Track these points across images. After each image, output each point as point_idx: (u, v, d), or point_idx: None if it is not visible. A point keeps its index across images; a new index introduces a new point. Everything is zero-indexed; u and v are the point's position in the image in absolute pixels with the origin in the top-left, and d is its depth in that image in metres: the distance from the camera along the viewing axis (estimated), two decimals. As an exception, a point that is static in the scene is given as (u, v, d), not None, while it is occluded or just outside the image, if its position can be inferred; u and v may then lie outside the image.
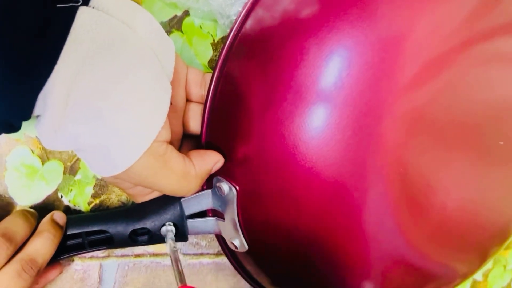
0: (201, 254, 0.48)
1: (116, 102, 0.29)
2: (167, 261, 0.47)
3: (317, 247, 0.34)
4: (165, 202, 0.38)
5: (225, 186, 0.35)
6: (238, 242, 0.38)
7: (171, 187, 0.33)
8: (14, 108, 0.27)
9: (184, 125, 0.37)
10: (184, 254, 0.47)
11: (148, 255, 0.46)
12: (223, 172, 0.35)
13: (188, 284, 0.34)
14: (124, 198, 0.43)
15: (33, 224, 0.37)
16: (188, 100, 0.37)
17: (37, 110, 0.28)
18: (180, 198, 0.38)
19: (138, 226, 0.38)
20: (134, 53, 0.29)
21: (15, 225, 0.36)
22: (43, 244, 0.36)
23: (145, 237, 0.39)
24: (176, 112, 0.36)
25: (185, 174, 0.33)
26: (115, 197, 0.43)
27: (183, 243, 0.46)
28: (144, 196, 0.37)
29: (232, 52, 0.33)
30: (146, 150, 0.30)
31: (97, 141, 0.29)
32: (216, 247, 0.48)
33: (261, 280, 0.42)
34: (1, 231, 0.35)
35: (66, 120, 0.28)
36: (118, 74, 0.29)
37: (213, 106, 0.35)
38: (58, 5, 0.27)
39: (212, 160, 0.35)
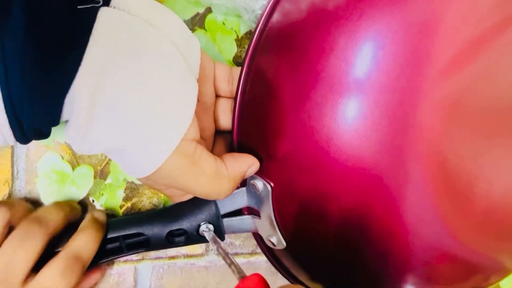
0: (235, 254, 0.47)
1: (141, 103, 0.28)
2: (201, 262, 0.46)
3: (357, 241, 0.34)
4: (200, 202, 0.38)
5: (259, 184, 0.35)
6: (276, 239, 0.37)
7: (202, 188, 0.32)
8: (42, 114, 0.27)
9: (215, 120, 0.37)
10: (218, 255, 0.47)
11: (182, 257, 0.45)
12: (258, 170, 0.35)
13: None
14: (155, 200, 0.43)
15: (67, 213, 0.37)
16: (217, 96, 0.36)
17: (65, 115, 0.28)
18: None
19: (175, 227, 0.38)
20: (158, 52, 0.29)
21: (48, 212, 0.36)
22: (86, 240, 0.36)
23: (182, 238, 0.38)
24: (206, 109, 0.35)
25: (217, 175, 0.32)
26: (146, 199, 0.42)
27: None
28: (181, 196, 0.37)
29: (260, 47, 0.32)
30: (174, 150, 0.30)
31: (125, 143, 0.29)
32: (250, 247, 0.47)
33: (301, 276, 0.41)
34: (33, 217, 0.35)
35: (93, 123, 0.28)
36: (142, 74, 0.28)
37: (242, 104, 0.34)
38: (78, 7, 0.26)
39: (247, 163, 0.34)
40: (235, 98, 0.34)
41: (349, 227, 0.33)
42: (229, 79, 0.36)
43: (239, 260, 0.47)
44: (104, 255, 0.39)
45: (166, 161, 0.30)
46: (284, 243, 0.37)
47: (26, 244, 0.34)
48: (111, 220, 0.39)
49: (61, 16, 0.26)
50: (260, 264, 0.48)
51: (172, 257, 0.45)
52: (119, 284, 0.44)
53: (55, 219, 0.36)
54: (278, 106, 0.32)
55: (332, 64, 0.29)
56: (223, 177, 0.33)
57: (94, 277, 0.40)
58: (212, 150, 0.37)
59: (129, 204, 0.42)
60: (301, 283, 0.42)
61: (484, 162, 0.32)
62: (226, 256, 0.35)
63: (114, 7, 0.28)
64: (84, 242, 0.36)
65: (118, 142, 0.29)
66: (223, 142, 0.38)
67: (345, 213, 0.32)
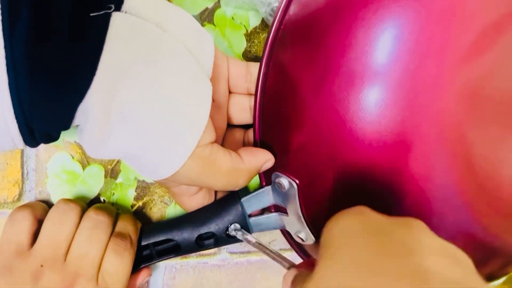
0: (248, 252, 0.47)
1: (155, 110, 0.28)
2: (213, 261, 0.46)
3: None
4: (226, 203, 0.38)
5: (284, 181, 0.35)
6: (304, 235, 0.37)
7: (220, 184, 0.33)
8: (54, 121, 0.27)
9: (229, 118, 0.36)
10: (231, 253, 0.46)
11: (195, 256, 0.45)
12: (282, 167, 0.35)
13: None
14: (166, 198, 0.42)
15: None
16: (231, 92, 0.36)
17: (76, 121, 0.27)
18: (240, 198, 0.38)
19: (203, 230, 0.38)
20: (170, 58, 0.29)
21: (100, 211, 0.37)
22: (126, 222, 0.37)
23: (211, 241, 0.38)
24: (219, 107, 0.35)
25: (233, 170, 0.33)
26: (157, 198, 0.42)
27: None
28: (189, 196, 0.36)
29: (277, 42, 0.32)
30: (190, 155, 0.30)
31: (141, 150, 0.29)
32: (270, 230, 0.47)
33: None
34: (93, 211, 0.36)
35: (108, 132, 0.28)
36: (155, 82, 0.28)
37: (263, 102, 0.34)
38: (91, 14, 0.26)
39: (263, 158, 0.34)
40: (255, 95, 0.34)
41: None
42: (246, 76, 0.35)
43: (252, 258, 0.47)
44: (138, 263, 0.38)
45: (182, 166, 0.30)
46: (314, 238, 0.37)
47: (97, 235, 0.35)
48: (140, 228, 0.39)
49: (73, 22, 0.25)
50: (273, 262, 0.47)
51: (185, 257, 0.44)
52: (131, 285, 0.44)
53: (108, 215, 0.37)
54: (299, 102, 0.32)
55: (351, 57, 0.29)
56: (240, 171, 0.33)
57: (143, 274, 0.40)
58: (223, 145, 0.37)
59: (140, 203, 0.41)
60: None
61: (508, 148, 0.32)
62: (267, 250, 0.36)
63: (125, 12, 0.27)
64: (125, 223, 0.37)
65: (134, 149, 0.29)
66: (235, 136, 0.38)
67: (370, 204, 0.32)
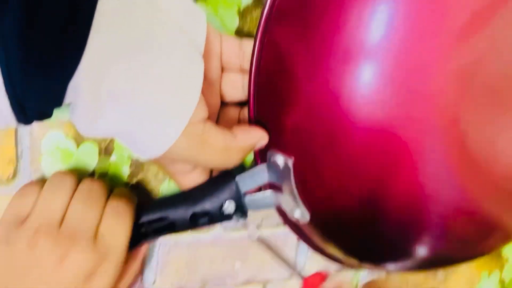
0: (241, 228, 0.47)
1: (146, 89, 0.28)
2: (208, 236, 0.46)
3: (380, 207, 0.34)
4: (221, 181, 0.38)
5: (279, 159, 0.35)
6: (299, 213, 0.37)
7: (213, 162, 0.33)
8: (45, 98, 0.27)
9: (222, 95, 0.36)
10: (225, 229, 0.47)
11: (189, 232, 0.45)
12: (276, 145, 0.35)
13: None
14: (161, 176, 0.43)
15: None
16: (224, 69, 0.36)
17: (68, 99, 0.27)
18: (235, 176, 0.38)
19: (198, 209, 0.38)
20: (161, 36, 0.28)
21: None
22: (121, 190, 0.38)
23: (205, 219, 0.39)
24: (212, 85, 0.35)
25: (226, 148, 0.33)
26: (151, 175, 0.42)
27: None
28: (184, 175, 0.37)
29: (271, 19, 0.32)
30: (182, 132, 0.30)
31: (132, 128, 0.29)
32: (257, 219, 0.48)
33: (329, 249, 0.41)
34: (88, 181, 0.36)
35: (99, 110, 0.28)
36: (145, 60, 0.28)
37: (257, 80, 0.34)
38: None
39: (256, 136, 0.34)
40: (249, 74, 0.34)
41: (369, 196, 0.33)
42: (239, 53, 0.35)
43: (245, 233, 0.48)
44: (136, 241, 0.38)
45: (174, 144, 0.30)
46: (308, 216, 0.37)
47: (93, 199, 0.34)
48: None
49: (62, 2, 0.25)
50: (266, 237, 0.48)
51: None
52: (126, 261, 0.44)
53: (104, 184, 0.37)
54: (293, 79, 0.32)
55: (345, 36, 0.29)
56: (233, 149, 0.33)
57: (143, 250, 0.40)
58: (217, 123, 0.37)
59: (134, 181, 0.42)
60: (325, 253, 0.42)
61: (501, 129, 0.32)
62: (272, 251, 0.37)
63: None
64: (120, 194, 0.37)
65: (125, 127, 0.29)
66: (230, 114, 0.38)
67: (364, 182, 0.33)
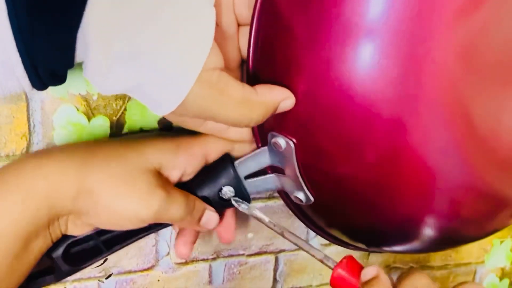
0: (253, 199, 0.48)
1: (155, 36, 0.27)
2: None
3: (385, 188, 0.33)
4: (217, 166, 0.38)
5: (281, 141, 0.34)
6: (303, 195, 0.37)
7: (232, 116, 0.31)
8: (55, 52, 0.26)
9: (241, 50, 0.35)
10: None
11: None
12: (277, 127, 0.34)
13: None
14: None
15: None
16: (239, 24, 0.35)
17: (79, 56, 0.27)
18: (232, 161, 0.38)
19: (197, 195, 0.38)
20: None
21: None
22: None
23: None
24: (229, 37, 0.34)
25: (246, 101, 0.31)
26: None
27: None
28: (224, 131, 0.36)
29: None
30: (197, 80, 0.29)
31: (145, 78, 0.28)
32: (267, 192, 0.48)
33: (332, 231, 0.41)
34: None
35: (110, 60, 0.27)
36: (153, 6, 0.27)
37: (256, 58, 0.33)
38: None
39: (281, 94, 0.32)
40: (247, 53, 0.33)
41: (375, 175, 0.33)
42: (249, 5, 0.33)
43: (257, 204, 0.48)
44: (135, 234, 0.39)
45: (190, 93, 0.29)
46: (312, 198, 0.37)
47: None
48: None
49: None
50: (278, 207, 0.49)
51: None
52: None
53: None
54: (293, 57, 0.31)
55: (347, 10, 0.28)
56: (253, 103, 0.31)
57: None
58: None
59: (146, 154, 0.42)
60: (330, 236, 0.42)
61: (506, 104, 0.32)
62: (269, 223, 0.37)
63: None
64: None
65: (138, 78, 0.28)
66: None
67: (369, 162, 0.32)
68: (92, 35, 0.26)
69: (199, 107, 0.30)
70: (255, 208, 0.39)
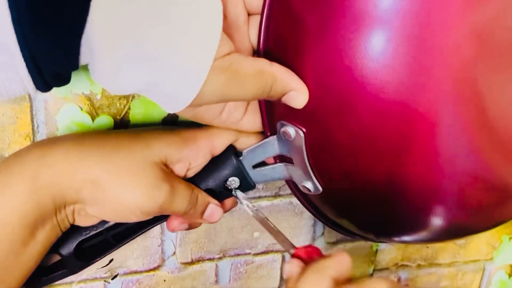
0: (259, 197, 0.47)
1: (164, 32, 0.27)
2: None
3: (395, 178, 0.33)
4: (220, 158, 0.38)
5: (291, 130, 0.34)
6: (311, 185, 0.37)
7: (250, 91, 0.31)
8: (59, 55, 0.26)
9: (252, 40, 0.35)
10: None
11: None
12: (287, 116, 0.34)
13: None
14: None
15: None
16: (250, 14, 0.34)
17: (84, 58, 0.27)
18: (233, 150, 0.38)
19: (202, 187, 0.38)
20: None
21: None
22: None
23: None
24: (239, 27, 0.34)
25: (260, 71, 0.31)
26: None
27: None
28: (236, 122, 0.36)
29: None
30: (209, 71, 0.28)
31: (156, 77, 0.28)
32: (273, 189, 0.48)
33: (340, 221, 0.41)
34: None
35: (119, 64, 0.27)
36: (157, 3, 0.27)
37: (266, 46, 0.33)
38: None
39: (297, 82, 0.32)
40: (258, 41, 0.33)
41: (385, 164, 0.33)
42: None
43: (263, 203, 0.48)
44: (140, 227, 0.39)
45: (204, 84, 0.29)
46: (320, 188, 0.36)
47: None
48: None
49: None
50: (284, 206, 0.48)
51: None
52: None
53: None
54: (304, 46, 0.31)
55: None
56: (267, 73, 0.31)
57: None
58: None
59: (151, 153, 0.42)
60: (338, 226, 0.42)
61: None
62: (269, 225, 0.38)
63: None
64: None
65: (149, 77, 0.28)
66: None
67: (380, 150, 0.32)
68: (98, 38, 0.26)
69: (215, 94, 0.30)
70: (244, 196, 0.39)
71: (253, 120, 0.37)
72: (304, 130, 0.34)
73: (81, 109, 0.39)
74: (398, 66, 0.29)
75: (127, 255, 0.45)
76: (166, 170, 0.35)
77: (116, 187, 0.33)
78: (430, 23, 0.28)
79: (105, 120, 0.40)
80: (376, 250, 0.54)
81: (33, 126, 0.38)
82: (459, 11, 0.28)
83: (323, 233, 0.51)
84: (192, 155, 0.37)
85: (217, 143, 0.37)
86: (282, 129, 0.35)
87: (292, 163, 0.37)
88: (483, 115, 0.31)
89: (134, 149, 0.34)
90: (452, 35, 0.28)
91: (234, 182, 0.38)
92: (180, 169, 0.37)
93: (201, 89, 0.29)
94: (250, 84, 0.31)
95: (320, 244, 0.51)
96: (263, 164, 0.38)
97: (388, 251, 0.55)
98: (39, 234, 0.34)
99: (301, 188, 0.38)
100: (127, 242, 0.40)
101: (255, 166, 0.38)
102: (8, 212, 0.32)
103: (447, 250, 0.58)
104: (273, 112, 0.35)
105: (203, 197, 0.37)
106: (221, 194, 0.39)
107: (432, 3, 0.28)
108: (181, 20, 0.28)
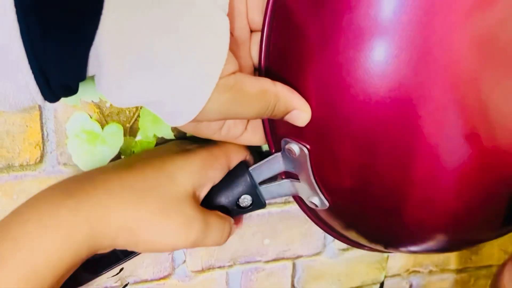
0: (269, 204, 0.47)
1: (171, 47, 0.27)
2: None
3: (401, 189, 0.33)
4: (234, 175, 0.38)
5: (295, 147, 0.34)
6: (318, 200, 0.37)
7: (253, 110, 0.31)
8: (68, 67, 0.26)
9: (253, 57, 0.35)
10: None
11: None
12: (291, 133, 0.34)
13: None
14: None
15: None
16: (252, 30, 0.35)
17: (91, 70, 0.27)
18: (247, 168, 0.38)
19: (214, 204, 0.38)
20: None
21: None
22: None
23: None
24: (241, 44, 0.34)
25: (263, 91, 0.31)
26: (177, 154, 0.42)
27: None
28: (236, 138, 0.37)
29: None
30: (215, 88, 0.29)
31: (162, 92, 0.28)
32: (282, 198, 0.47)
33: (349, 233, 0.40)
34: None
35: (126, 77, 0.27)
36: (167, 20, 0.27)
37: (268, 63, 0.33)
38: None
39: (300, 101, 0.32)
40: (259, 62, 0.33)
41: (390, 176, 0.32)
42: (262, 11, 0.34)
43: (273, 209, 0.47)
44: None
45: (208, 101, 0.29)
46: (327, 203, 0.36)
47: None
48: None
49: None
50: (294, 212, 0.48)
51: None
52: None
53: None
54: (304, 63, 0.31)
55: (360, 13, 0.28)
56: (270, 92, 0.31)
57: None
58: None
59: (160, 160, 0.42)
60: (347, 238, 0.42)
61: None
62: None
63: None
64: None
65: (154, 91, 0.28)
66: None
67: (385, 163, 0.32)
68: (106, 50, 0.26)
69: (218, 111, 0.30)
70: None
71: (253, 136, 0.37)
72: (308, 147, 0.34)
73: (91, 117, 0.39)
74: (400, 79, 0.29)
75: (138, 263, 0.45)
76: (196, 204, 0.36)
77: (151, 232, 0.34)
78: (429, 36, 0.28)
79: (114, 128, 0.40)
80: (388, 257, 0.54)
81: (43, 134, 0.38)
82: (462, 19, 0.28)
83: (334, 240, 0.50)
84: (215, 175, 0.37)
85: (233, 158, 0.38)
86: (287, 146, 0.35)
87: (298, 179, 0.37)
88: (486, 121, 0.31)
89: (162, 187, 0.35)
90: (454, 47, 0.28)
91: (246, 200, 0.38)
92: (206, 191, 0.37)
93: (204, 106, 0.29)
94: (253, 104, 0.31)
95: (331, 250, 0.51)
96: (269, 180, 0.38)
97: (400, 257, 0.55)
98: (64, 277, 0.34)
99: (308, 204, 0.38)
100: (135, 256, 0.40)
101: (261, 183, 0.38)
102: (40, 261, 0.31)
103: (459, 255, 0.57)
104: (276, 129, 0.35)
105: (232, 226, 0.38)
106: (233, 211, 0.39)
107: (433, 12, 0.28)
108: (189, 36, 0.28)
